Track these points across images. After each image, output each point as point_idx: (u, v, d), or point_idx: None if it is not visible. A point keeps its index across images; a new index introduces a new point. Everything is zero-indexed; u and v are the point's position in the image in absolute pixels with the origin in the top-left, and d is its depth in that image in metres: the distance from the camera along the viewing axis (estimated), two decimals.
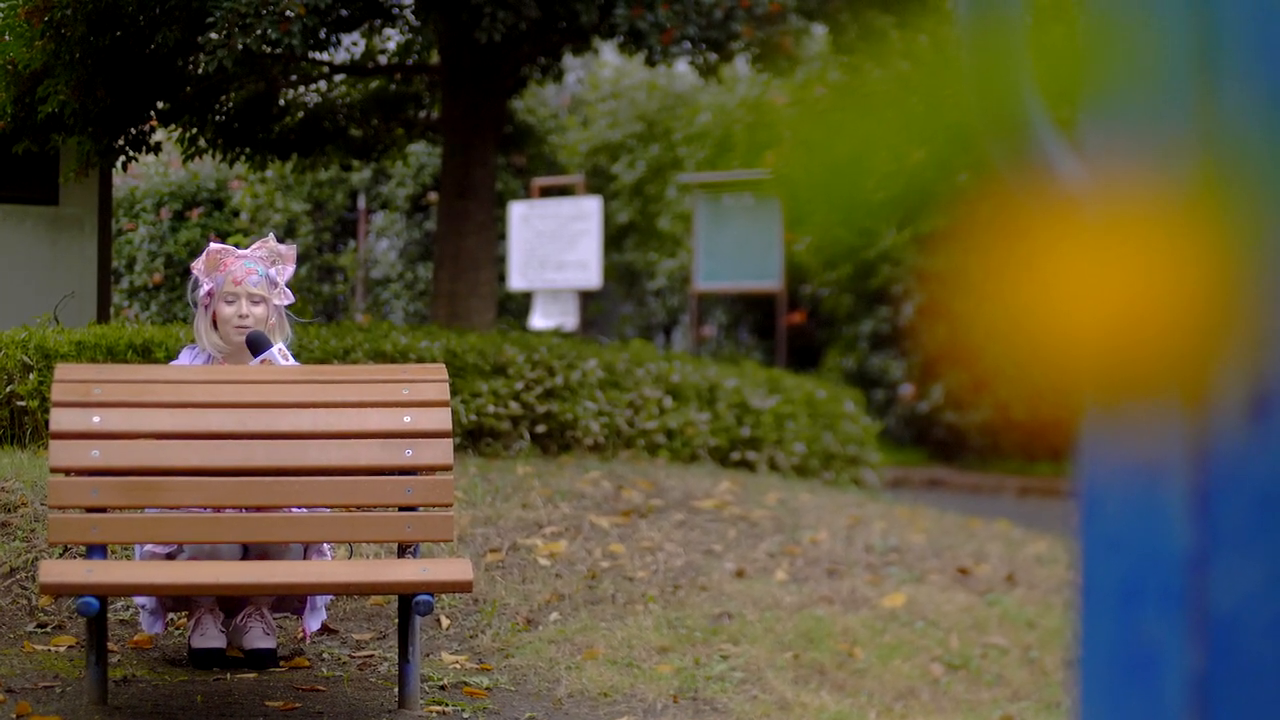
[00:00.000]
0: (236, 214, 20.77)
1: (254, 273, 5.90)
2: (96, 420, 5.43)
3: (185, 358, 6.02)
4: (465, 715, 5.55)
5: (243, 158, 12.20)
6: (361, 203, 21.24)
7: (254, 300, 5.88)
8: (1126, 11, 1.36)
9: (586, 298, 19.75)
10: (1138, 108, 1.35)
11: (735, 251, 18.78)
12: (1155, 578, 1.34)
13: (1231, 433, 1.32)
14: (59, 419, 5.42)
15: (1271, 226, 1.28)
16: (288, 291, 5.98)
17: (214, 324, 5.94)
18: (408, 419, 5.59)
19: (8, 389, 8.43)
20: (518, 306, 20.36)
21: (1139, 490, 1.35)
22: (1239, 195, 1.29)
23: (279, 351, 5.80)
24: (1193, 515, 1.32)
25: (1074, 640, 1.42)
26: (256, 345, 5.81)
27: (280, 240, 6.03)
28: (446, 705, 5.60)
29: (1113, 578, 1.37)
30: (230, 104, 11.85)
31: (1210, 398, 1.31)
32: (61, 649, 6.00)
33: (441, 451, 5.57)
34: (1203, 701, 1.32)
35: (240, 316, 5.87)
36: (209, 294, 5.90)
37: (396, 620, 5.75)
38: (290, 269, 6.01)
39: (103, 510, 5.36)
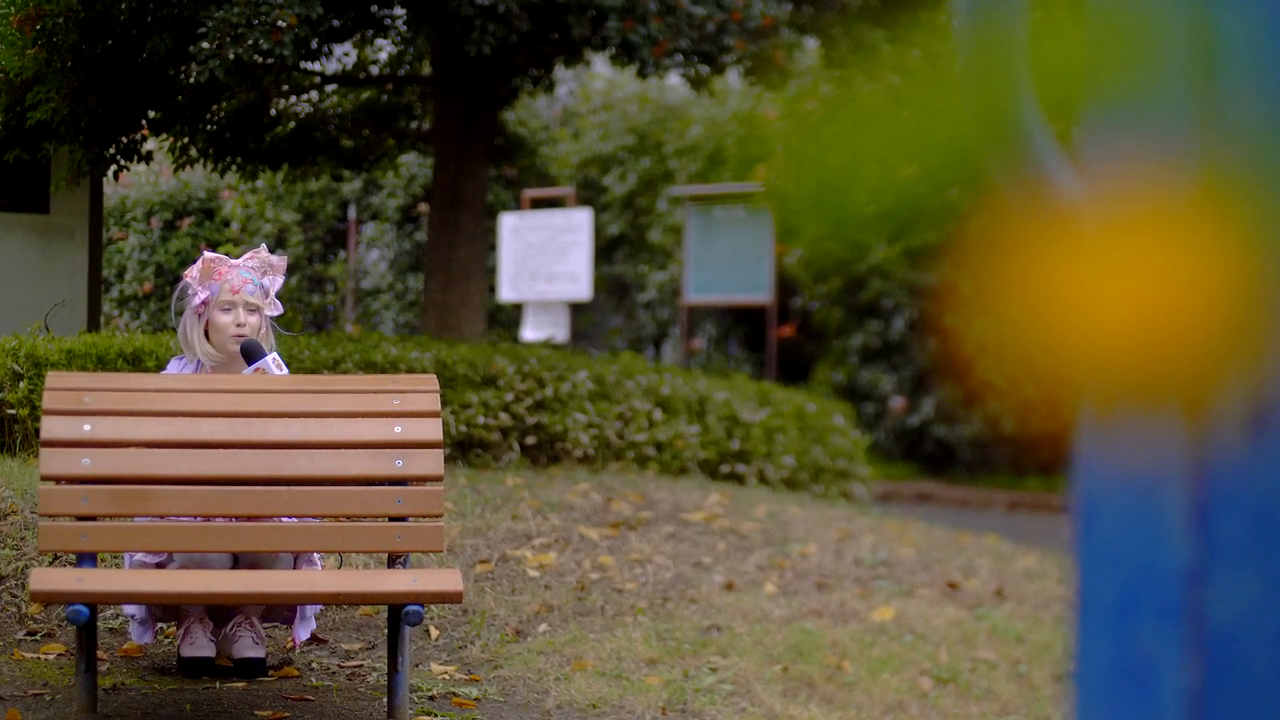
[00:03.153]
0: (227, 224, 20.75)
1: (250, 282, 5.90)
2: (87, 428, 5.42)
3: (174, 367, 6.01)
4: None
5: (234, 167, 12.19)
6: (352, 213, 21.23)
7: (249, 309, 5.88)
8: (1129, 21, 1.36)
9: (577, 309, 19.75)
10: (1139, 117, 1.36)
11: (726, 264, 18.80)
12: (1152, 591, 1.34)
13: (1230, 447, 1.32)
14: (50, 427, 5.42)
15: (1273, 237, 1.29)
16: (277, 302, 5.98)
17: (205, 333, 5.93)
18: (398, 429, 5.59)
19: None
20: (508, 318, 20.36)
21: (1137, 503, 1.35)
22: (1241, 206, 1.29)
23: (273, 360, 5.79)
24: (1191, 529, 1.33)
25: (1070, 654, 1.42)
26: (251, 354, 5.81)
27: (271, 251, 6.02)
28: (435, 716, 5.60)
29: (1110, 591, 1.37)
30: (221, 113, 11.85)
31: (1211, 409, 1.31)
32: (51, 657, 5.99)
33: (432, 462, 5.56)
34: (1200, 716, 1.32)
35: (238, 325, 5.86)
36: (204, 302, 5.89)
37: (386, 630, 5.74)
38: (280, 280, 6.00)
39: (93, 518, 5.35)
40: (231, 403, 5.58)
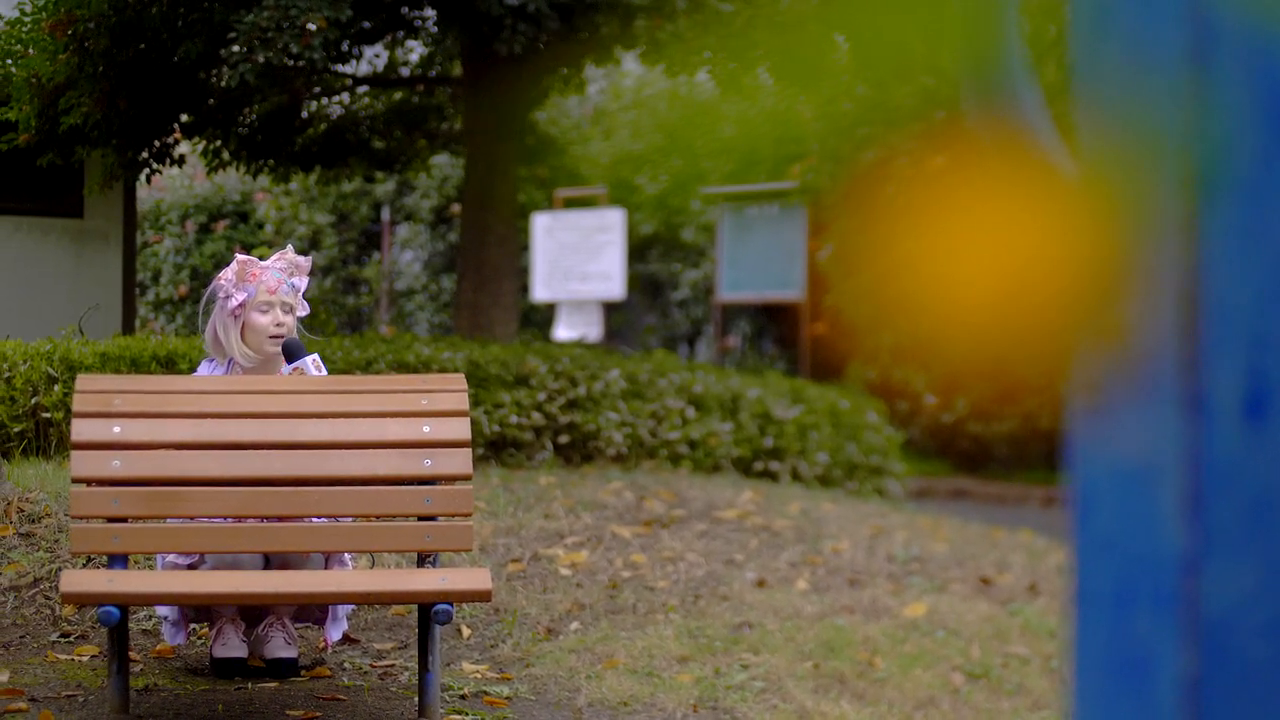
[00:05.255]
0: (261, 226, 20.82)
1: (284, 283, 5.92)
2: (117, 430, 5.45)
3: (205, 369, 6.04)
4: None
5: (266, 170, 12.24)
6: (386, 215, 21.28)
7: (285, 309, 5.91)
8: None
9: (610, 309, 19.76)
10: (1126, 90, 1.36)
11: (759, 262, 18.78)
12: (1148, 580, 1.34)
13: (1225, 434, 1.33)
14: (80, 429, 5.45)
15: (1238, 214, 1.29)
16: (305, 302, 6.00)
17: (241, 335, 5.95)
18: (427, 429, 5.60)
19: (33, 401, 8.47)
20: (541, 318, 20.37)
21: (1132, 492, 1.36)
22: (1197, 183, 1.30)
23: (312, 362, 5.81)
24: (1186, 517, 1.33)
25: (1067, 643, 1.43)
26: (291, 353, 5.83)
27: (304, 253, 6.05)
28: (467, 714, 5.61)
29: (1106, 580, 1.37)
30: (253, 116, 11.89)
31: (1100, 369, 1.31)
32: (84, 658, 6.02)
33: (460, 461, 5.57)
34: (1195, 704, 1.33)
35: (276, 325, 5.89)
36: (241, 304, 5.91)
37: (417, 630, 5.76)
38: (307, 280, 6.03)
39: (124, 520, 5.37)
40: (260, 404, 5.60)
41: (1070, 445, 1.41)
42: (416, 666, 5.79)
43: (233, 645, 5.90)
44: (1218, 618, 1.32)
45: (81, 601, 5.57)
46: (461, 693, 5.87)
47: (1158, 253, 1.33)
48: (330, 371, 8.82)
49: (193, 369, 8.10)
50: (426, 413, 5.64)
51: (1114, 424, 1.36)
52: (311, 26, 9.42)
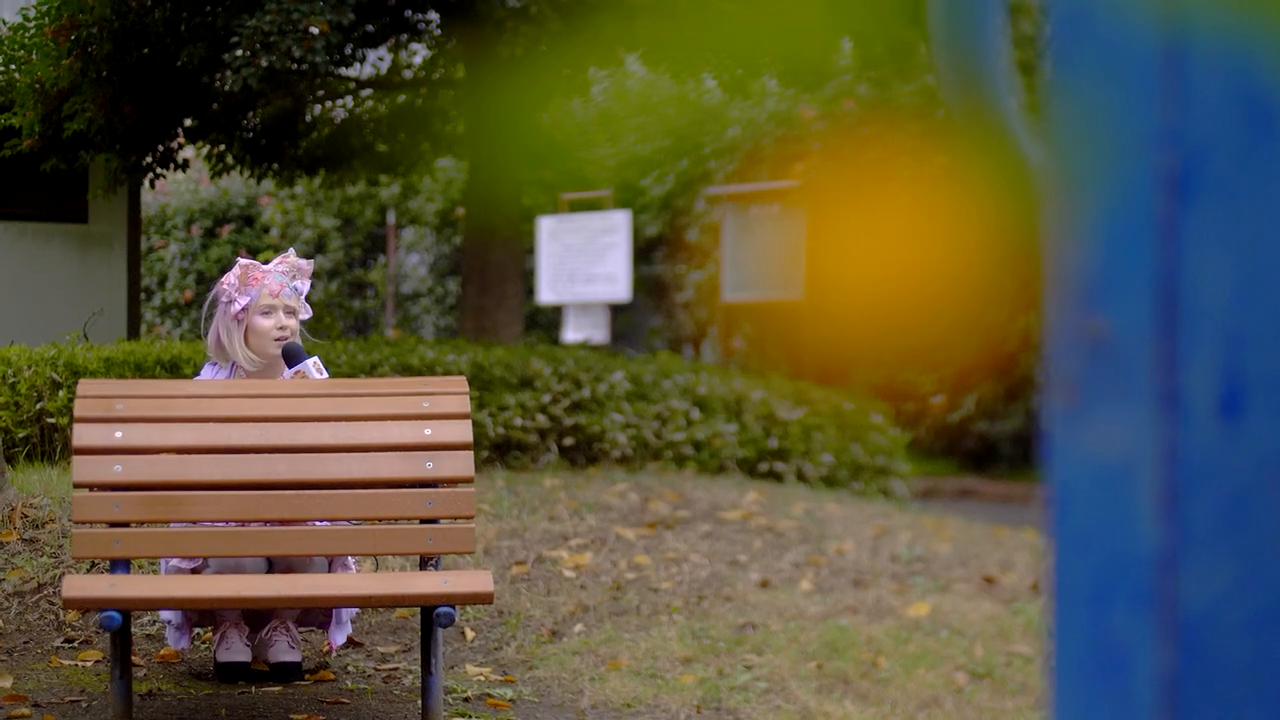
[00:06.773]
0: (267, 230, 20.83)
1: (286, 286, 5.93)
2: (119, 435, 5.46)
3: (208, 373, 6.05)
4: None
5: (270, 174, 12.24)
6: (391, 218, 21.28)
7: (288, 312, 5.92)
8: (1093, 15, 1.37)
9: (616, 311, 19.75)
10: (1103, 90, 1.37)
11: (762, 263, 18.76)
12: (1125, 578, 1.35)
13: (1202, 432, 1.33)
14: (82, 434, 5.45)
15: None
16: (307, 305, 6.01)
17: (245, 338, 5.96)
18: (428, 431, 5.60)
19: (37, 406, 8.48)
20: (548, 320, 20.38)
21: (1109, 490, 1.36)
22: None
23: (314, 364, 5.82)
24: (1163, 515, 1.33)
25: (1046, 641, 1.43)
26: (292, 356, 5.84)
27: (308, 256, 6.07)
28: (470, 717, 5.62)
29: (1083, 578, 1.38)
30: (257, 120, 11.90)
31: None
32: (88, 664, 6.03)
33: (462, 464, 5.58)
34: (1173, 701, 1.33)
35: (279, 328, 5.90)
36: (244, 308, 5.92)
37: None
38: (309, 283, 6.04)
39: (126, 525, 5.38)
40: (262, 407, 5.61)
41: (1047, 443, 1.41)
42: (420, 669, 5.80)
43: (236, 649, 5.90)
44: (1195, 615, 1.32)
45: (84, 606, 5.58)
46: (465, 695, 5.88)
47: (1134, 252, 1.34)
48: (334, 374, 8.85)
49: (197, 373, 8.11)
50: (428, 415, 5.65)
51: (1091, 422, 1.37)
52: (314, 30, 9.43)
